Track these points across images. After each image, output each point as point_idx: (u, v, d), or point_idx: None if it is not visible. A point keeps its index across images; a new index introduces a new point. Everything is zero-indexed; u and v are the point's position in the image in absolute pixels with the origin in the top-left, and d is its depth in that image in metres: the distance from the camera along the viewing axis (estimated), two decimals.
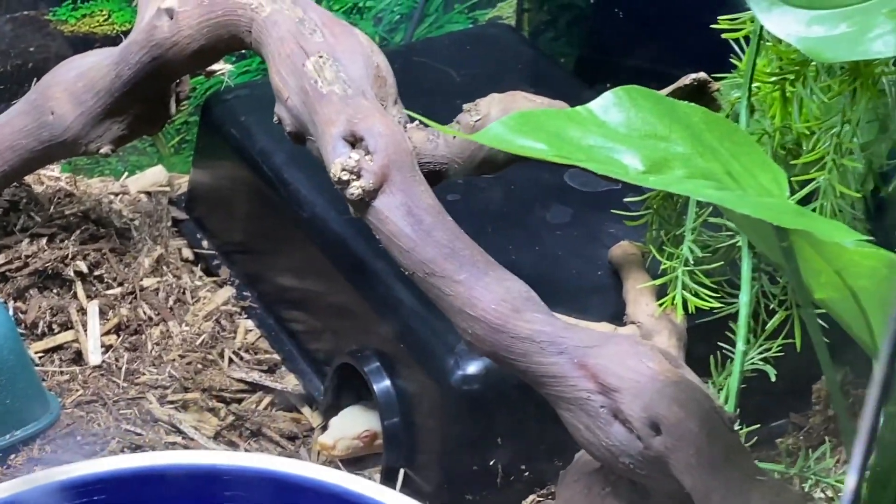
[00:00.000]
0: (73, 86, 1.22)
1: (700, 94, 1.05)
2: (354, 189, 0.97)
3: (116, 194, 1.46)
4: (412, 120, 1.08)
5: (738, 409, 1.03)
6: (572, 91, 1.42)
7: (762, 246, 0.86)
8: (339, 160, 0.98)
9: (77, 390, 1.22)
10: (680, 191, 0.80)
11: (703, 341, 1.10)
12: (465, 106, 1.10)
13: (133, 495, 0.90)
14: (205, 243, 1.43)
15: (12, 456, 1.14)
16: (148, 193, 1.48)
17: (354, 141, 1.00)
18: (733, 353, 1.03)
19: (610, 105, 0.81)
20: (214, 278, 1.39)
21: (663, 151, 0.78)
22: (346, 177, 0.97)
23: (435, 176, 1.08)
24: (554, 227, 1.27)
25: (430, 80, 1.47)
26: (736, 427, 1.03)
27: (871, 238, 0.72)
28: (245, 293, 1.37)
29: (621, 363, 0.89)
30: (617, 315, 1.14)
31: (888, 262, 0.72)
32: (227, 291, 1.37)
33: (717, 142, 0.82)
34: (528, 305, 0.94)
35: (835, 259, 0.78)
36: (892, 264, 0.73)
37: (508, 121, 0.77)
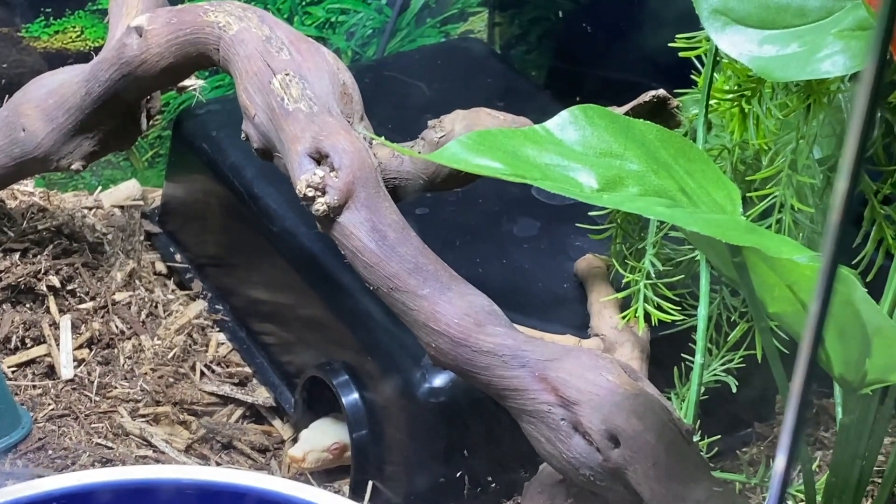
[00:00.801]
0: (43, 102, 1.23)
1: (660, 111, 1.07)
2: (319, 205, 0.98)
3: (90, 209, 1.46)
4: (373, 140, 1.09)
5: (700, 421, 1.04)
6: (542, 104, 1.43)
7: (717, 261, 0.87)
8: (305, 177, 0.99)
9: (49, 404, 1.23)
10: (632, 209, 0.81)
11: (670, 351, 1.12)
12: (429, 122, 1.11)
13: None
14: (178, 257, 1.43)
15: None
16: (121, 207, 1.49)
17: (320, 158, 1.01)
18: None
19: (566, 123, 0.82)
20: (187, 292, 1.39)
21: (618, 169, 0.80)
22: (311, 193, 0.99)
23: (401, 191, 1.10)
24: (521, 240, 1.28)
25: (402, 94, 1.48)
26: (696, 438, 1.04)
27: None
28: (217, 306, 1.38)
29: (581, 376, 0.91)
30: (582, 326, 1.16)
31: (839, 276, 0.73)
32: (200, 305, 1.37)
33: (671, 159, 0.83)
34: (490, 319, 0.95)
35: (787, 274, 0.79)
36: (842, 278, 0.75)
37: (465, 140, 0.78)
